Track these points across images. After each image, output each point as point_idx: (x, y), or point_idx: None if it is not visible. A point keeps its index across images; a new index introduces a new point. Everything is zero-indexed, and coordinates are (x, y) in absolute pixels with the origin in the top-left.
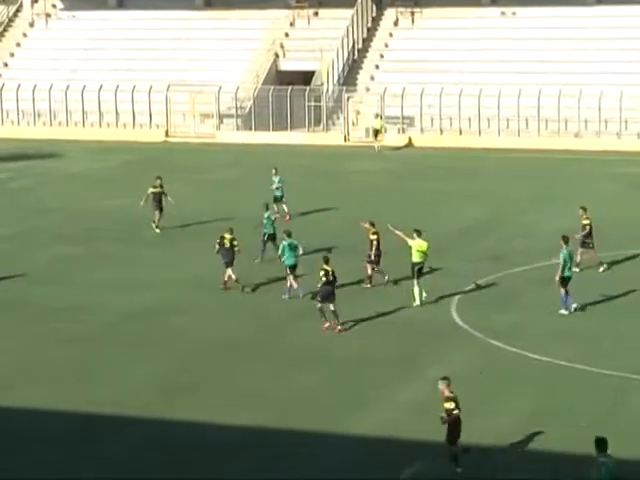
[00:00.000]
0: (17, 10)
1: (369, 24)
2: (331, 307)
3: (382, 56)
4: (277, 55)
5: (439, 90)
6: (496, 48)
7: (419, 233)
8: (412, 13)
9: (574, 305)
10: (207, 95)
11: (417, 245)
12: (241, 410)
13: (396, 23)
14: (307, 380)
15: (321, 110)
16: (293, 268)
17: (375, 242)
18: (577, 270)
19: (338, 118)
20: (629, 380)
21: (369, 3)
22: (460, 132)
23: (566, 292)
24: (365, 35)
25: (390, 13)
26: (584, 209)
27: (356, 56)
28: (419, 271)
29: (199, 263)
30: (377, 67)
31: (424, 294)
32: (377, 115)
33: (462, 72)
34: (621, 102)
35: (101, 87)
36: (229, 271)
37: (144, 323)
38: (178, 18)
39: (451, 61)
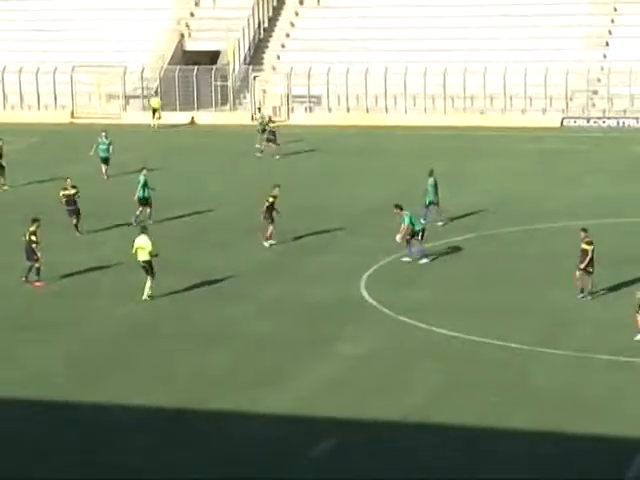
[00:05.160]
0: None
1: (275, 3)
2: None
3: (288, 35)
4: (183, 35)
5: (345, 69)
6: (402, 26)
7: (143, 229)
8: None
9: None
10: (113, 76)
11: (137, 245)
12: (149, 391)
13: (302, 2)
14: (216, 360)
15: (228, 90)
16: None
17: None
18: None
19: (245, 97)
20: (534, 353)
21: None
22: (367, 110)
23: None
24: (271, 14)
25: None
26: None
27: (262, 35)
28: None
29: (104, 246)
30: (283, 46)
31: (146, 292)
32: (155, 93)
33: (368, 50)
34: (525, 79)
35: (4, 69)
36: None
37: (51, 307)
38: None
39: (357, 39)
